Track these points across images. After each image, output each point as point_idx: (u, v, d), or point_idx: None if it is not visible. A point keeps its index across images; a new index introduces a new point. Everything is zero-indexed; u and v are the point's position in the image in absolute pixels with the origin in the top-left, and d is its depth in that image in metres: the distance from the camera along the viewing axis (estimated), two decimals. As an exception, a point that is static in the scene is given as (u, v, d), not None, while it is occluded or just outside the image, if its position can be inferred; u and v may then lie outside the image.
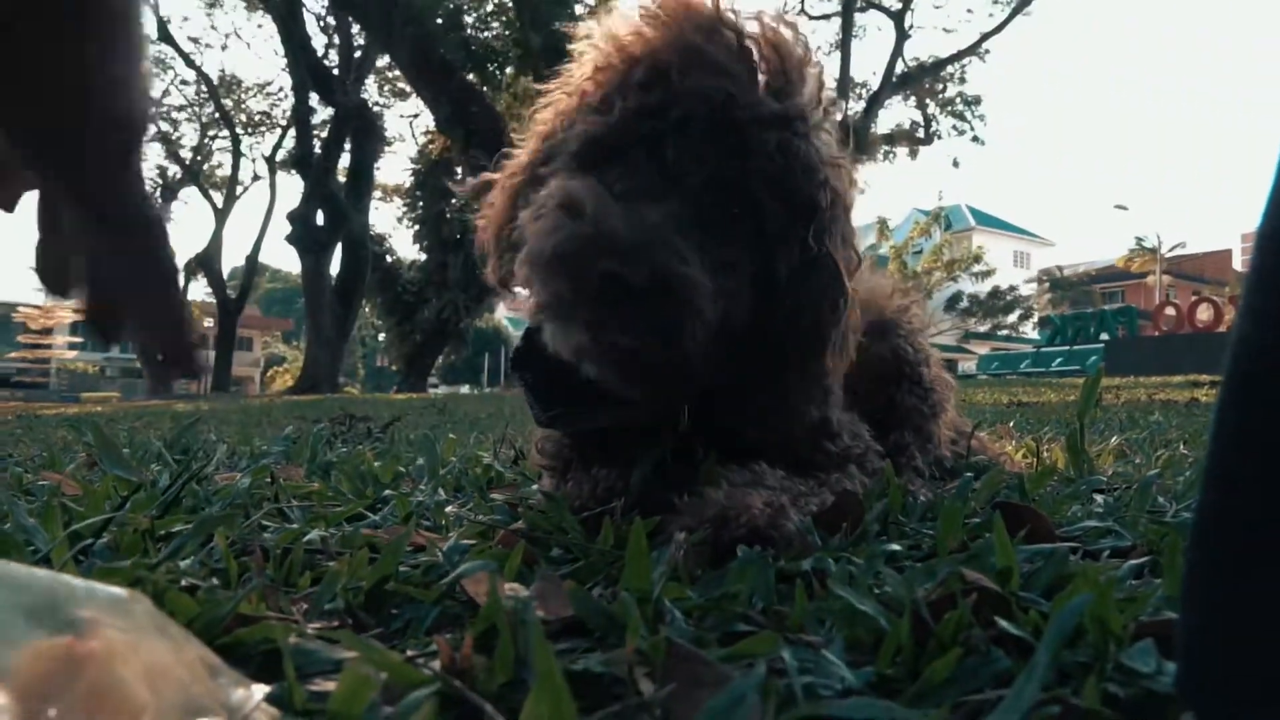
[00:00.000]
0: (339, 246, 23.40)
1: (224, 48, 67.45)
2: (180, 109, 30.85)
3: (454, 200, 23.54)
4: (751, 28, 1.04)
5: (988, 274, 38.60)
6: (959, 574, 0.72)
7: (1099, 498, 1.33)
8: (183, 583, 0.78)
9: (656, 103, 0.98)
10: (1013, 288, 42.27)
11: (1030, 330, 42.95)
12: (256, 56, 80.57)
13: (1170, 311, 22.34)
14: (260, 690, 0.50)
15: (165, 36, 27.60)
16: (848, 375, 1.28)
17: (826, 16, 26.05)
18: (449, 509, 1.28)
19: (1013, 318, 42.76)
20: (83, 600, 0.46)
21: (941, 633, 0.63)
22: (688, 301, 0.92)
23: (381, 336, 34.64)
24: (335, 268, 23.59)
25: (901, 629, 0.62)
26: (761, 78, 1.02)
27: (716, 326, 0.96)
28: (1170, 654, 0.56)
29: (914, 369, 1.51)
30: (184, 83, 30.47)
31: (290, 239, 22.62)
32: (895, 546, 0.93)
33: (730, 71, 1.00)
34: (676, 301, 0.91)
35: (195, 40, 30.31)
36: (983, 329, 43.09)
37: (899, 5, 24.83)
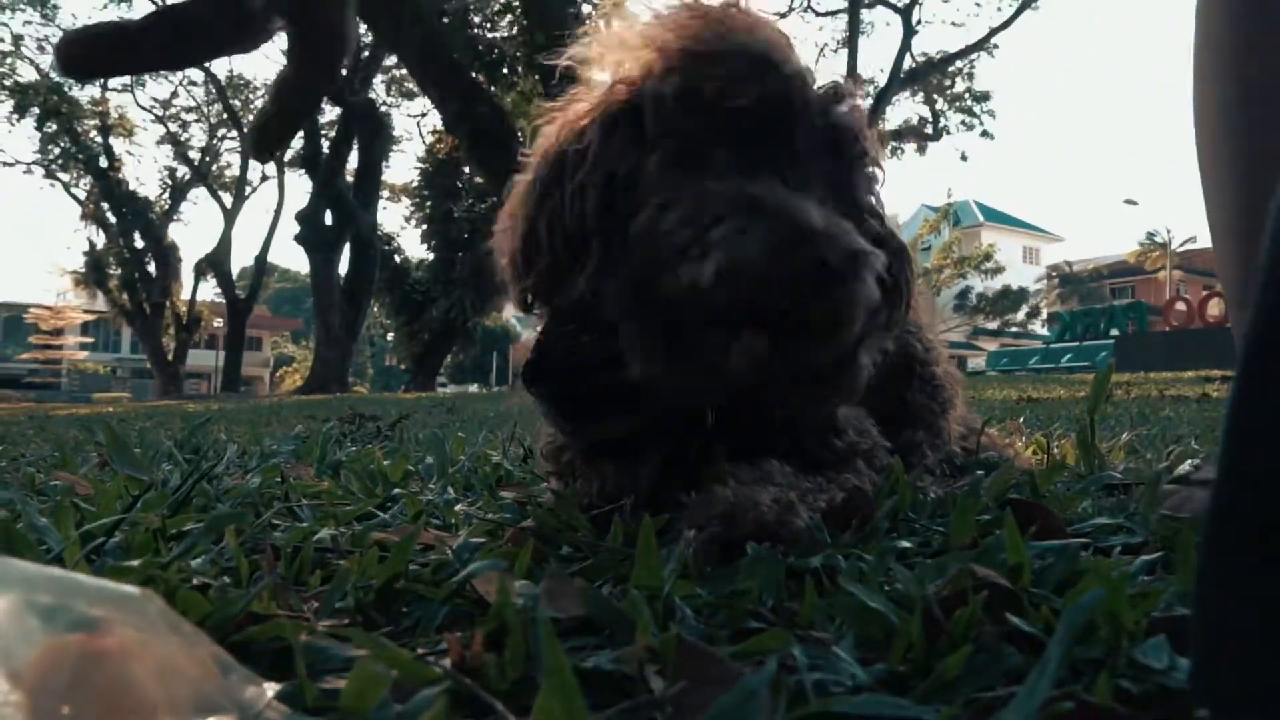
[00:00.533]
0: (347, 246, 23.46)
1: (232, 49, 67.66)
2: (189, 110, 30.98)
3: (461, 200, 23.60)
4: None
5: (998, 271, 38.46)
6: (970, 570, 0.72)
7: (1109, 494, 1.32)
8: (194, 581, 0.78)
9: (722, 95, 0.97)
10: (1024, 289, 42.11)
11: (1039, 327, 42.78)
12: (264, 56, 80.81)
13: (1181, 307, 22.23)
14: (272, 688, 0.50)
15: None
16: None
17: (833, 13, 25.99)
18: (458, 507, 1.28)
19: (1021, 315, 42.59)
20: (95, 598, 0.47)
21: (952, 629, 0.63)
22: (867, 290, 0.92)
23: (390, 336, 34.72)
24: (344, 267, 23.66)
25: (912, 626, 0.62)
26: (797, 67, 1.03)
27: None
28: (1183, 650, 0.56)
29: (925, 367, 1.50)
30: (192, 84, 30.59)
31: (299, 239, 22.70)
32: (906, 543, 0.93)
33: (778, 60, 1.00)
34: (861, 289, 0.91)
35: (203, 42, 30.32)
36: (992, 326, 42.94)
37: (906, 1, 24.75)
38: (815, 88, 1.03)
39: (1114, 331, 24.18)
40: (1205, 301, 20.40)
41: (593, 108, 1.08)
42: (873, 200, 1.11)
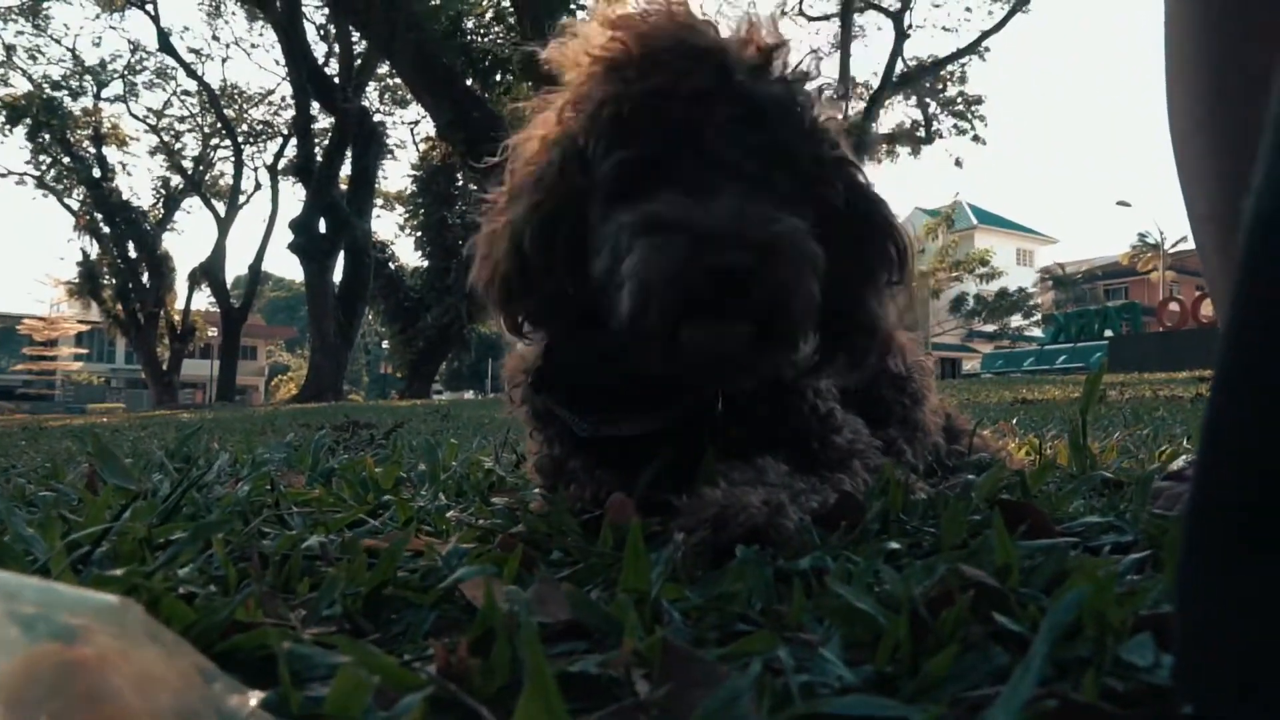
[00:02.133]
0: (341, 254, 23.43)
1: (225, 60, 67.81)
2: (182, 120, 30.96)
3: (455, 207, 23.59)
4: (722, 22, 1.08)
5: (994, 276, 38.53)
6: (958, 571, 0.72)
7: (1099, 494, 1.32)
8: (180, 590, 0.78)
9: (662, 94, 1.00)
10: (1021, 289, 42.17)
11: (1035, 329, 42.82)
12: (257, 66, 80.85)
13: (1174, 307, 22.29)
14: (256, 696, 0.50)
15: (167, 48, 27.70)
16: None
17: (826, 17, 26.08)
18: (449, 514, 1.28)
19: (1017, 318, 42.62)
20: (74, 608, 0.46)
21: (939, 629, 0.63)
22: (798, 258, 0.95)
23: (385, 343, 34.71)
24: (338, 275, 23.63)
25: (899, 626, 0.62)
26: (748, 51, 1.05)
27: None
28: (1169, 647, 0.56)
29: (891, 360, 1.50)
30: (185, 93, 30.58)
31: (293, 247, 22.65)
32: (895, 544, 0.93)
33: (717, 48, 1.03)
34: (788, 262, 0.94)
35: (196, 52, 30.43)
36: (989, 329, 42.96)
37: (898, 5, 24.83)
38: (744, 66, 1.04)
39: (1108, 332, 24.24)
40: (1198, 302, 20.45)
41: (544, 139, 1.12)
42: (831, 153, 1.10)
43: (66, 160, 28.53)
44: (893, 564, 0.85)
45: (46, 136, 27.28)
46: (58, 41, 28.06)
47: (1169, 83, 1.24)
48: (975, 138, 27.28)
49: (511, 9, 17.23)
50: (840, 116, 1.14)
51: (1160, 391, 6.96)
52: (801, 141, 1.06)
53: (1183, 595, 0.45)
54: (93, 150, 29.01)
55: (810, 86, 1.10)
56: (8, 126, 26.44)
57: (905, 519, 1.10)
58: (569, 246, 1.07)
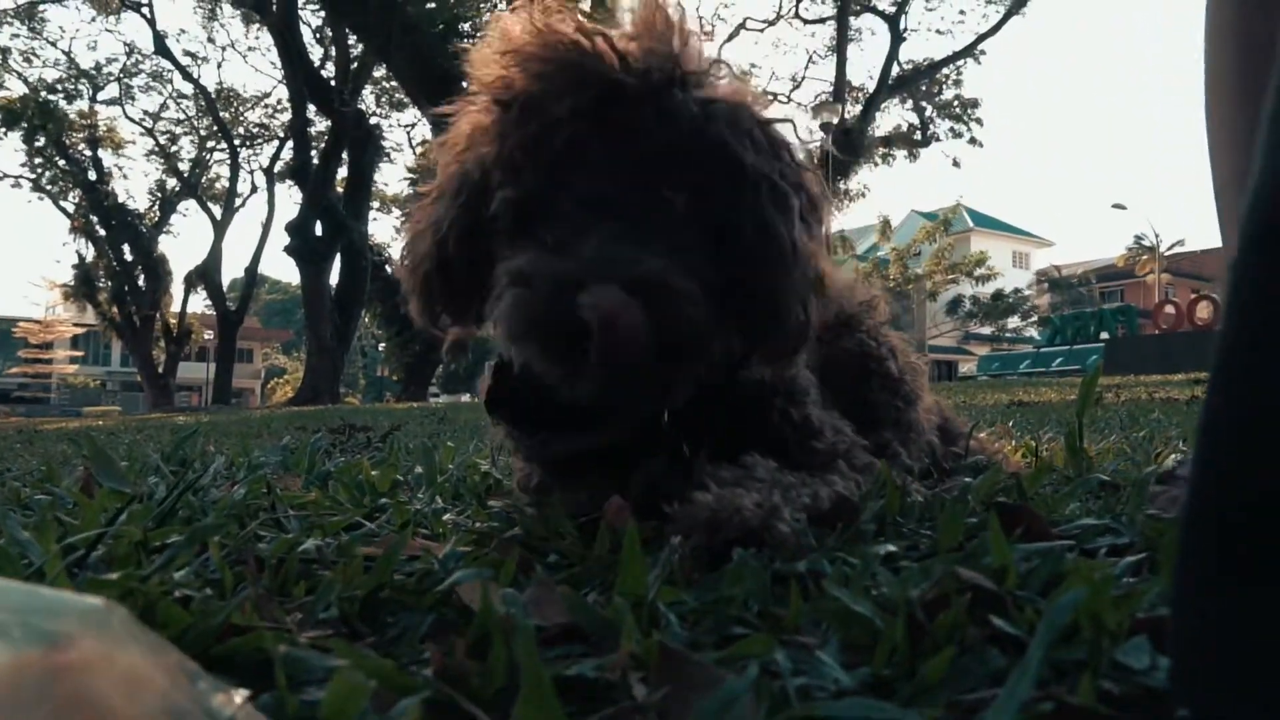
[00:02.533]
0: (338, 257, 23.41)
1: (220, 64, 67.78)
2: (178, 123, 30.94)
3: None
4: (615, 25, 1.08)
5: (989, 278, 38.58)
6: (954, 573, 0.72)
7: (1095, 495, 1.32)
8: (176, 594, 0.78)
9: (542, 128, 1.02)
10: (1017, 290, 42.22)
11: (1031, 330, 42.87)
12: (254, 69, 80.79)
13: (1170, 310, 22.33)
14: (241, 694, 0.50)
15: (163, 50, 27.69)
16: (818, 376, 1.30)
17: (821, 20, 26.13)
18: (446, 517, 1.28)
19: (1015, 321, 42.67)
20: (58, 612, 0.46)
21: (936, 632, 0.63)
22: (666, 297, 0.95)
23: (381, 346, 34.68)
24: (335, 278, 23.61)
25: (896, 629, 0.62)
26: (629, 49, 1.04)
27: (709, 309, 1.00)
28: (1165, 650, 0.56)
29: (880, 363, 1.49)
30: (181, 96, 30.55)
31: (289, 250, 22.63)
32: (892, 547, 0.93)
33: (600, 71, 1.02)
34: (659, 300, 0.94)
35: (192, 55, 30.41)
36: (985, 331, 43.00)
37: (893, 8, 24.89)
38: (635, 82, 1.03)
39: (1104, 335, 24.28)
40: (1194, 304, 20.49)
41: (470, 138, 1.14)
42: (725, 133, 1.07)
43: (62, 163, 28.48)
44: (889, 567, 0.85)
45: (42, 139, 27.24)
46: (53, 44, 28.00)
47: (1205, 46, 1.26)
48: (972, 140, 27.34)
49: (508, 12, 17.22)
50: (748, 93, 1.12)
51: (1156, 394, 6.97)
52: (697, 138, 1.04)
53: (1179, 598, 0.45)
54: (89, 153, 28.97)
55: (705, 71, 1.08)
56: (3, 130, 26.39)
57: (902, 521, 1.10)
58: (486, 257, 1.11)
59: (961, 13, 25.91)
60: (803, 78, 27.28)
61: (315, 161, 23.56)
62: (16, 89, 26.89)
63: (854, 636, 0.66)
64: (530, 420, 1.16)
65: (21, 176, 28.67)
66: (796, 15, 26.01)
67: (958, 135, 27.59)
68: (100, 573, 0.85)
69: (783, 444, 1.18)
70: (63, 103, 27.63)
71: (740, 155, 1.07)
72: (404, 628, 0.76)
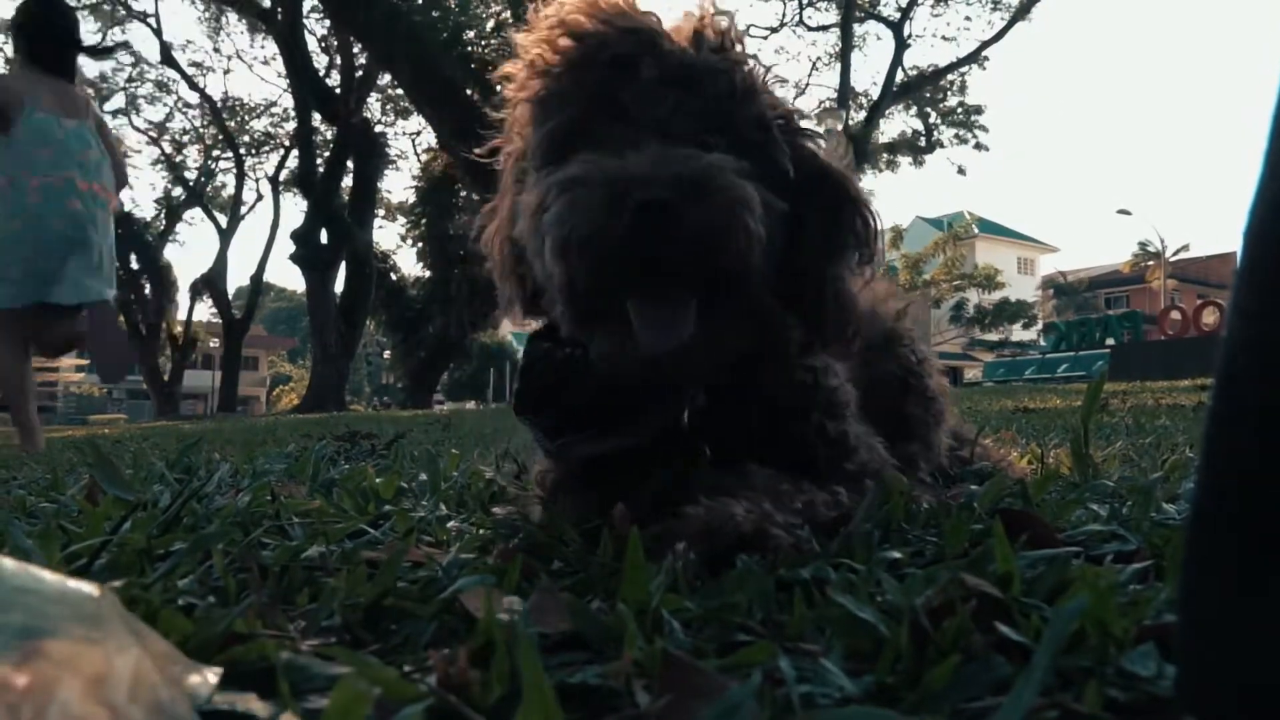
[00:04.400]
0: (343, 265, 23.47)
1: (227, 72, 68.05)
2: (184, 132, 31.06)
3: (457, 217, 23.63)
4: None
5: (993, 282, 38.60)
6: (959, 580, 0.71)
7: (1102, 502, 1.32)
8: (179, 601, 0.78)
9: (583, 63, 1.01)
10: (1022, 301, 42.17)
11: (1035, 336, 42.78)
12: (259, 78, 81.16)
13: (1175, 315, 22.27)
14: (215, 673, 0.50)
15: (169, 61, 27.82)
16: (864, 394, 1.28)
17: (825, 28, 26.16)
18: (450, 524, 1.28)
19: (1019, 328, 42.63)
20: (51, 597, 0.46)
21: (941, 639, 0.62)
22: (727, 189, 0.92)
23: (387, 354, 34.72)
24: (340, 286, 23.66)
25: (900, 636, 0.62)
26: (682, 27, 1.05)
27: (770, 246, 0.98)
28: (1172, 658, 0.56)
29: (920, 380, 1.50)
30: (187, 106, 30.68)
31: (294, 258, 22.70)
32: (897, 554, 0.92)
33: (644, 23, 1.02)
34: (720, 198, 0.91)
35: (198, 64, 30.52)
36: (991, 338, 42.94)
37: (898, 15, 24.92)
38: (673, 38, 1.03)
39: (1109, 341, 24.22)
40: (1200, 310, 20.43)
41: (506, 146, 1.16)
42: (776, 119, 1.07)
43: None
44: (894, 573, 0.84)
45: (49, 148, 27.33)
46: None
47: None
48: (978, 145, 27.32)
49: (512, 20, 17.30)
50: (830, 122, 1.14)
51: (1162, 400, 6.94)
52: (739, 105, 1.02)
53: (1185, 604, 0.44)
54: (95, 162, 29.07)
55: (757, 69, 1.08)
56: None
57: (907, 527, 1.10)
58: None
59: (967, 19, 25.94)
60: (807, 84, 27.32)
61: (320, 170, 23.64)
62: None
63: (858, 643, 0.66)
64: (557, 421, 1.13)
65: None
66: (800, 22, 26.04)
67: (962, 141, 27.60)
68: (104, 580, 0.84)
69: (813, 461, 1.14)
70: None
71: (806, 144, 1.08)
72: (407, 635, 0.76)
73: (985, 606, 0.68)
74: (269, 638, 0.68)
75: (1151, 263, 42.13)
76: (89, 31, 25.55)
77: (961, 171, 27.85)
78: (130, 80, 29.34)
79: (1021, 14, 24.68)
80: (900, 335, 1.51)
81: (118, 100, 29.63)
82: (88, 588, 0.47)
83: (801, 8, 25.86)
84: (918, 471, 1.41)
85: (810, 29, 26.40)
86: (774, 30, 26.38)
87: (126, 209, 28.31)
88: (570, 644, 0.71)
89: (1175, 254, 42.33)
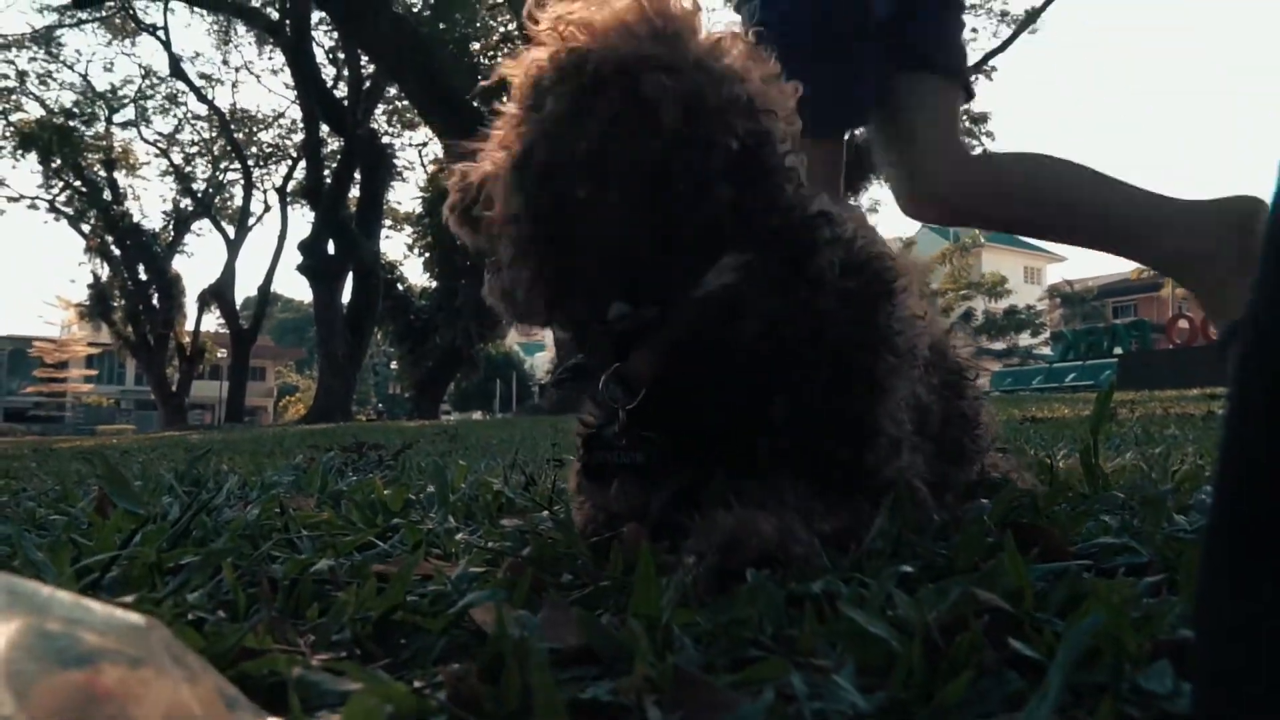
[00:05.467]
0: (350, 275, 23.54)
1: (235, 84, 68.48)
2: (193, 144, 31.23)
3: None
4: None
5: (1004, 294, 38.59)
6: (971, 595, 0.71)
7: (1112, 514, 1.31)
8: (190, 616, 0.78)
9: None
10: (1030, 307, 42.12)
11: (1043, 346, 42.66)
12: (267, 90, 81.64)
13: (1184, 324, 22.20)
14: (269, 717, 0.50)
15: (178, 73, 28.00)
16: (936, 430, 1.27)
17: (831, 38, 26.15)
18: (459, 536, 1.28)
19: (1026, 337, 42.57)
20: (101, 627, 0.46)
21: (953, 655, 0.62)
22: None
23: (394, 364, 34.79)
24: (347, 296, 23.73)
25: (913, 652, 0.61)
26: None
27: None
28: (1188, 675, 0.55)
29: (975, 415, 1.46)
30: (196, 117, 30.87)
31: (302, 269, 22.77)
32: (908, 568, 0.92)
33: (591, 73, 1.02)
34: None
35: (207, 77, 30.62)
36: (999, 347, 42.84)
37: (902, 25, 24.92)
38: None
39: (1117, 350, 24.15)
40: (1208, 319, 20.37)
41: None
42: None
43: (78, 184, 28.78)
44: (905, 587, 0.84)
45: (58, 161, 27.54)
46: (70, 68, 28.40)
47: None
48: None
49: (518, 31, 17.38)
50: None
51: (1171, 409, 6.91)
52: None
53: (1201, 621, 0.44)
54: (104, 174, 29.27)
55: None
56: (20, 152, 26.70)
57: (916, 540, 1.09)
58: None
59: (974, 30, 25.90)
60: (812, 95, 27.27)
61: (328, 181, 23.74)
62: (34, 111, 27.23)
63: (870, 659, 0.66)
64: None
65: (38, 198, 28.97)
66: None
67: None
68: (116, 594, 0.85)
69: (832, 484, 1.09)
70: (80, 126, 27.95)
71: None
72: (417, 650, 0.76)
73: (998, 621, 0.67)
74: (280, 653, 0.68)
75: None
76: (100, 44, 25.66)
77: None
78: (140, 93, 29.54)
79: (1028, 23, 24.71)
80: (964, 374, 1.45)
81: (128, 113, 29.84)
82: (134, 618, 0.47)
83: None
84: (945, 495, 1.36)
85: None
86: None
87: (135, 220, 28.48)
88: (581, 659, 0.70)
89: (1184, 262, 42.10)
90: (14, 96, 26.74)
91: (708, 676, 0.61)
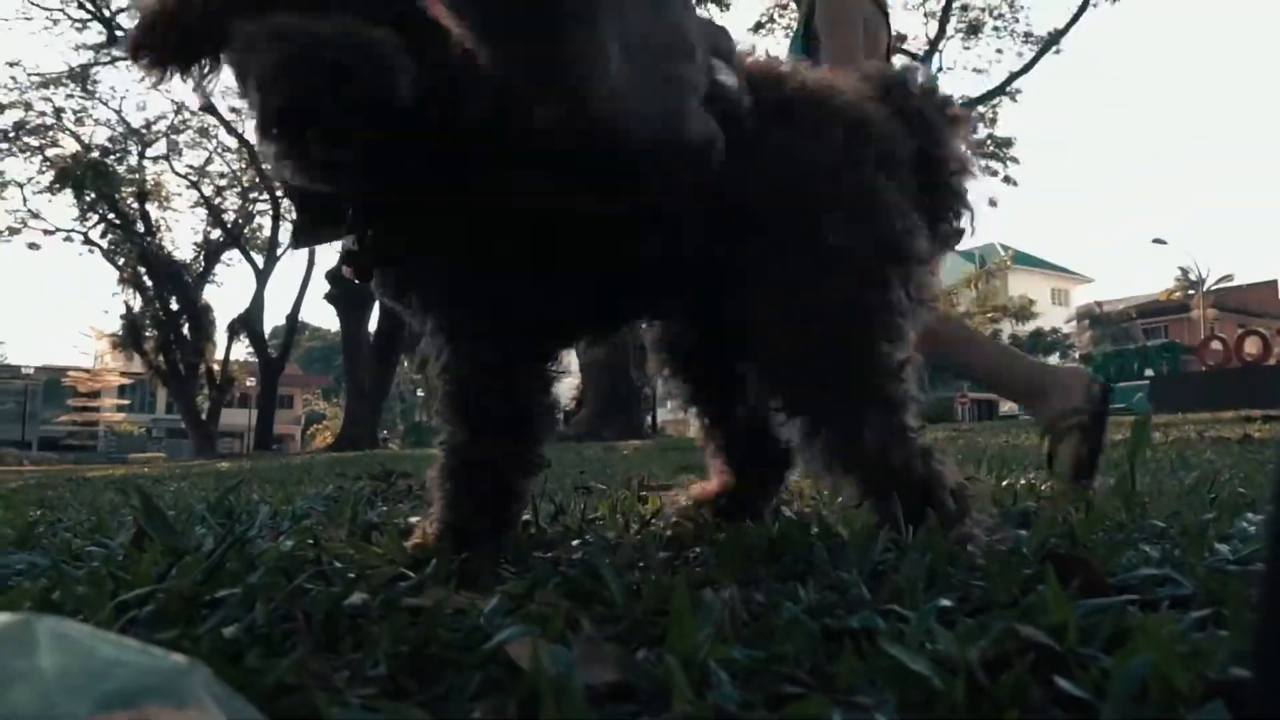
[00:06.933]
0: (376, 304, 23.73)
1: (265, 115, 69.43)
2: (223, 176, 31.74)
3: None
4: None
5: (1028, 314, 38.27)
6: (1014, 631, 0.70)
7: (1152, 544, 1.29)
8: (227, 651, 0.78)
9: None
10: (1056, 330, 41.71)
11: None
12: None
13: (1216, 346, 21.88)
14: None
15: (208, 107, 28.53)
16: None
17: (852, 63, 26.22)
18: (490, 568, 1.27)
19: (1054, 360, 42.13)
20: (144, 668, 0.46)
21: (997, 693, 0.61)
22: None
23: (420, 392, 34.93)
24: (374, 324, 23.90)
25: (956, 689, 0.60)
26: None
27: None
28: (1243, 716, 0.54)
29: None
30: (226, 150, 31.39)
31: (329, 297, 22.99)
32: (946, 601, 0.91)
33: None
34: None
35: (237, 110, 31.16)
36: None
37: (925, 48, 24.96)
38: None
39: (1148, 372, 23.83)
40: (1241, 340, 20.07)
41: None
42: None
43: (112, 217, 29.30)
44: (943, 622, 0.83)
45: (92, 195, 28.06)
46: (105, 104, 29.02)
47: None
48: (1006, 179, 27.20)
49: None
50: None
51: (1206, 432, 6.80)
52: None
53: (1261, 661, 0.43)
54: (136, 206, 29.79)
55: None
56: (56, 186, 27.25)
57: (952, 572, 1.07)
58: None
59: (999, 51, 25.90)
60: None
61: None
62: (69, 146, 27.80)
63: (911, 696, 0.65)
64: None
65: (74, 230, 29.51)
66: (829, 58, 26.16)
67: (993, 173, 27.49)
68: (153, 628, 0.85)
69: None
70: (113, 163, 28.49)
71: None
72: (451, 685, 0.75)
73: (1041, 658, 0.66)
74: (317, 689, 0.68)
75: (1191, 291, 41.50)
76: (134, 80, 26.24)
77: (993, 203, 27.71)
78: (172, 127, 30.11)
79: (1050, 45, 24.64)
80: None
81: (160, 147, 30.41)
82: (177, 658, 0.47)
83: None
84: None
85: (837, 65, 26.49)
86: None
87: (167, 251, 28.91)
88: (616, 695, 0.70)
89: (1218, 282, 41.66)
90: (50, 133, 27.32)
91: (747, 714, 0.61)
